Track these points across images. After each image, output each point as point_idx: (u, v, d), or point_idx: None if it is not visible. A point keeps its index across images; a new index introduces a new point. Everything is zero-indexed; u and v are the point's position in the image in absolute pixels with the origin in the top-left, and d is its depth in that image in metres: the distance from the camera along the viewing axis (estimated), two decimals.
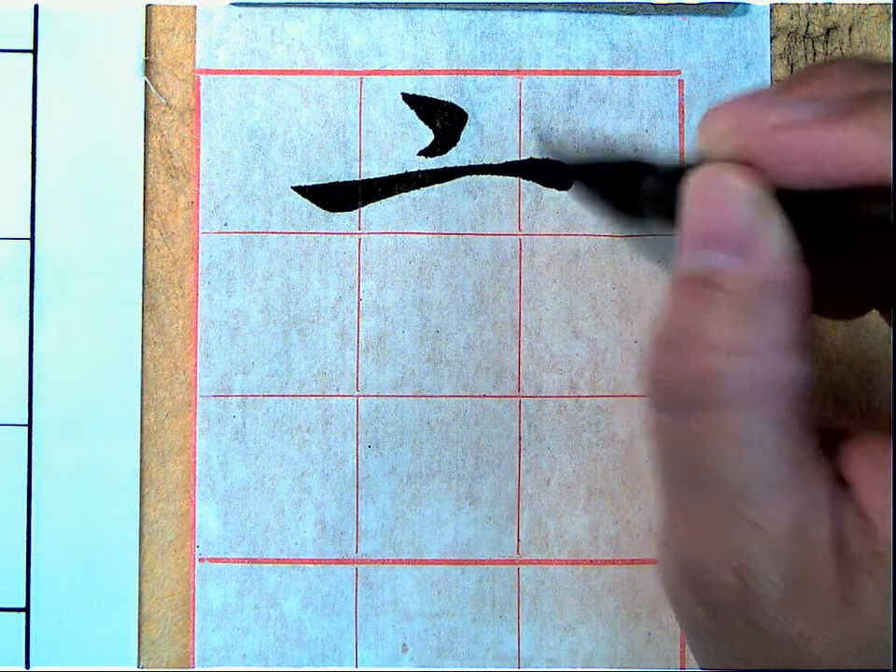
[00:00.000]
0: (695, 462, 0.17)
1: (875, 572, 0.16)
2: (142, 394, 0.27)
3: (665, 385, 0.17)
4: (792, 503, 0.16)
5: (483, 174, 0.27)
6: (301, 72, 0.27)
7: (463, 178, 0.27)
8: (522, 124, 0.27)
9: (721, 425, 0.17)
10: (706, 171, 0.18)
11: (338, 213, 0.27)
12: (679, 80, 0.27)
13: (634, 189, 0.23)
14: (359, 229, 0.27)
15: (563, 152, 0.27)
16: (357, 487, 0.27)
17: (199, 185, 0.27)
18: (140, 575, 0.27)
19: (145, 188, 0.27)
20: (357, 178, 0.27)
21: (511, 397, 0.27)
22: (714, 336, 0.17)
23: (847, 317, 0.22)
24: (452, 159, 0.27)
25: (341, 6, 0.27)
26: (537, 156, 0.27)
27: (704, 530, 0.17)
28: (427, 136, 0.27)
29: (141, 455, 0.27)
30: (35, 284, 0.27)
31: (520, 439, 0.27)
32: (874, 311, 0.22)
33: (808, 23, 0.27)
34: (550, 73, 0.27)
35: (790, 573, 0.16)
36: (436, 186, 0.27)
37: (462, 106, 0.27)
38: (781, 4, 0.27)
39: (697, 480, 0.17)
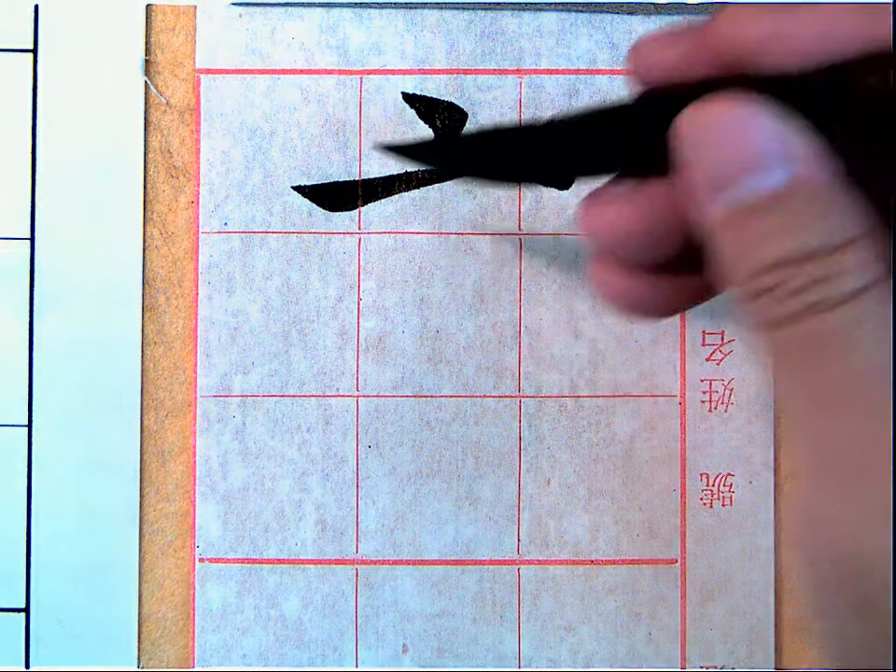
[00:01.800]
0: (828, 355, 0.16)
1: None
2: (142, 394, 0.27)
3: (779, 300, 0.17)
4: None
5: None
6: (301, 72, 0.27)
7: (463, 178, 0.27)
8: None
9: (846, 315, 0.16)
10: (702, 105, 0.17)
11: (338, 213, 0.27)
12: None
13: (523, 154, 0.21)
14: (359, 229, 0.27)
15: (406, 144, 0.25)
16: (357, 487, 0.27)
17: (199, 185, 0.27)
18: (140, 575, 0.27)
19: (145, 188, 0.27)
20: (357, 178, 0.27)
21: (512, 397, 0.27)
22: (808, 242, 0.16)
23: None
24: None
25: (341, 5, 0.27)
26: None
27: (849, 421, 0.16)
28: (427, 136, 0.27)
29: (141, 455, 0.27)
30: (35, 284, 0.27)
31: (520, 439, 0.27)
32: None
33: None
34: (550, 72, 0.27)
35: None
36: (436, 186, 0.27)
37: (462, 106, 0.27)
38: None
39: (835, 373, 0.16)
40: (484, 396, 0.27)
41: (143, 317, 0.27)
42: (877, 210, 0.17)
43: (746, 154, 0.17)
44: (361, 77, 0.27)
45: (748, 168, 0.17)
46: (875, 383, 0.16)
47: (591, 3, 0.27)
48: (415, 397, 0.27)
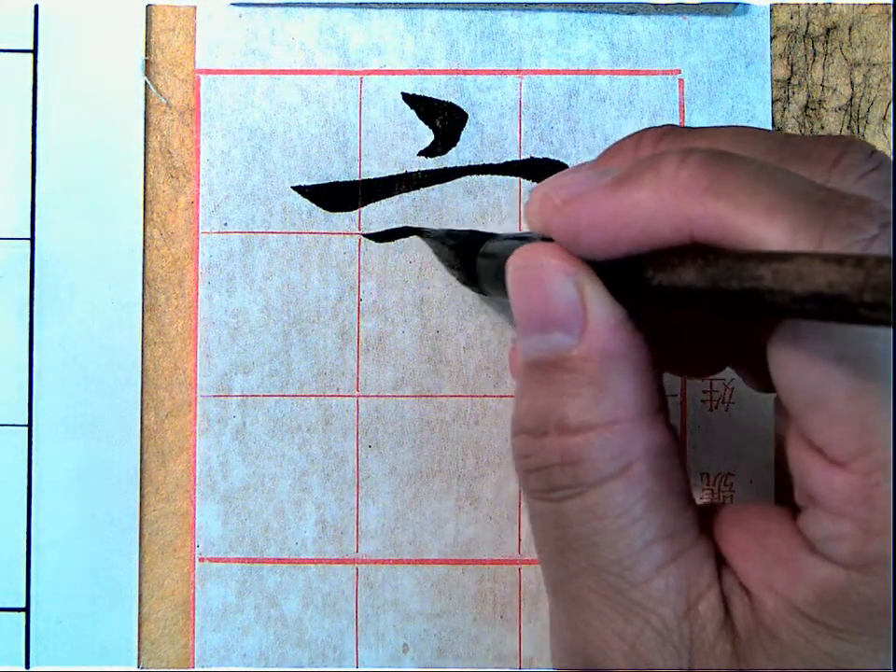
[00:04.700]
0: (573, 544, 0.17)
1: (766, 645, 0.15)
2: (142, 394, 0.27)
3: (534, 471, 0.17)
4: (677, 580, 0.16)
5: (483, 174, 0.27)
6: (301, 72, 0.27)
7: (463, 178, 0.27)
8: (522, 124, 0.27)
9: (588, 502, 0.16)
10: (519, 254, 0.18)
11: (338, 213, 0.27)
12: (680, 80, 0.27)
13: (471, 261, 0.24)
14: (359, 229, 0.27)
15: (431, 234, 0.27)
16: (358, 487, 0.27)
17: (199, 185, 0.27)
18: (140, 575, 0.27)
19: (145, 188, 0.27)
20: (357, 178, 0.27)
21: (512, 396, 0.27)
22: (567, 417, 0.17)
23: (698, 375, 0.22)
24: (452, 159, 0.27)
25: (341, 6, 0.27)
26: (537, 156, 0.27)
27: (592, 618, 0.17)
28: (427, 136, 0.27)
29: (141, 455, 0.27)
30: (35, 284, 0.27)
31: None
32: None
33: (808, 23, 0.27)
34: (550, 73, 0.27)
35: (683, 655, 0.16)
36: (436, 186, 0.27)
37: (462, 106, 0.27)
38: (781, 4, 0.27)
39: (578, 564, 0.17)
40: (485, 396, 0.27)
41: (143, 317, 0.27)
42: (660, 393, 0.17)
43: (537, 310, 0.17)
44: (361, 78, 0.27)
45: (536, 325, 0.17)
46: (612, 586, 0.16)
47: (591, 3, 0.27)
48: (415, 397, 0.27)
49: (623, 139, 0.19)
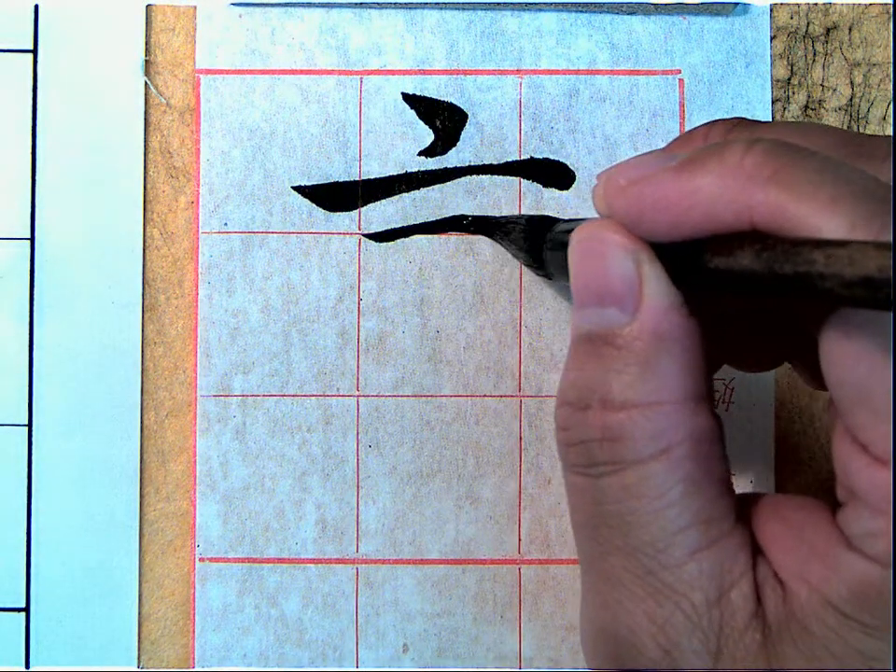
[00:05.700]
0: (608, 521, 0.17)
1: (796, 637, 0.15)
2: (142, 394, 0.27)
3: (574, 445, 0.17)
4: (710, 567, 0.16)
5: (483, 174, 0.27)
6: (301, 72, 0.27)
7: (463, 178, 0.27)
8: (522, 124, 0.27)
9: (626, 481, 0.16)
10: (583, 228, 0.18)
11: (338, 213, 0.27)
12: (680, 80, 0.27)
13: (538, 244, 0.24)
14: (359, 229, 0.27)
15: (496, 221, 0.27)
16: (358, 487, 0.27)
17: (199, 185, 0.27)
18: (140, 575, 0.27)
19: (145, 188, 0.27)
20: (357, 178, 0.27)
21: (512, 396, 0.27)
22: (612, 393, 0.17)
23: (758, 369, 0.22)
24: (452, 159, 0.27)
25: (341, 6, 0.27)
26: (537, 156, 0.27)
27: (623, 598, 0.17)
28: (427, 136, 0.27)
29: (141, 454, 0.27)
30: (35, 284, 0.27)
31: (521, 438, 0.27)
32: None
33: (808, 23, 0.27)
34: (550, 73, 0.27)
35: (712, 641, 0.16)
36: (436, 186, 0.27)
37: (462, 106, 0.27)
38: (781, 4, 0.27)
39: (612, 542, 0.17)
40: (485, 396, 0.27)
41: (143, 317, 0.27)
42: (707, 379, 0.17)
43: (594, 284, 0.17)
44: (361, 78, 0.27)
45: (592, 298, 0.17)
46: (644, 566, 0.16)
47: (591, 3, 0.27)
48: (415, 397, 0.27)
49: (694, 129, 0.19)
